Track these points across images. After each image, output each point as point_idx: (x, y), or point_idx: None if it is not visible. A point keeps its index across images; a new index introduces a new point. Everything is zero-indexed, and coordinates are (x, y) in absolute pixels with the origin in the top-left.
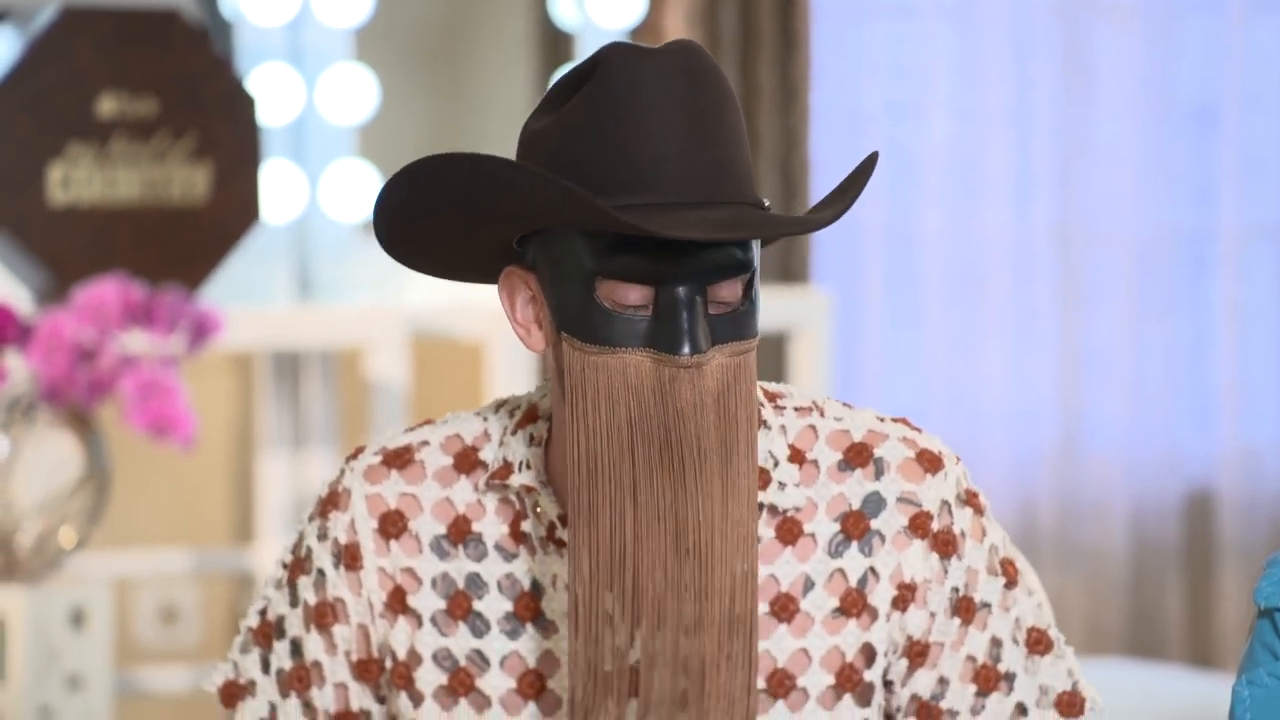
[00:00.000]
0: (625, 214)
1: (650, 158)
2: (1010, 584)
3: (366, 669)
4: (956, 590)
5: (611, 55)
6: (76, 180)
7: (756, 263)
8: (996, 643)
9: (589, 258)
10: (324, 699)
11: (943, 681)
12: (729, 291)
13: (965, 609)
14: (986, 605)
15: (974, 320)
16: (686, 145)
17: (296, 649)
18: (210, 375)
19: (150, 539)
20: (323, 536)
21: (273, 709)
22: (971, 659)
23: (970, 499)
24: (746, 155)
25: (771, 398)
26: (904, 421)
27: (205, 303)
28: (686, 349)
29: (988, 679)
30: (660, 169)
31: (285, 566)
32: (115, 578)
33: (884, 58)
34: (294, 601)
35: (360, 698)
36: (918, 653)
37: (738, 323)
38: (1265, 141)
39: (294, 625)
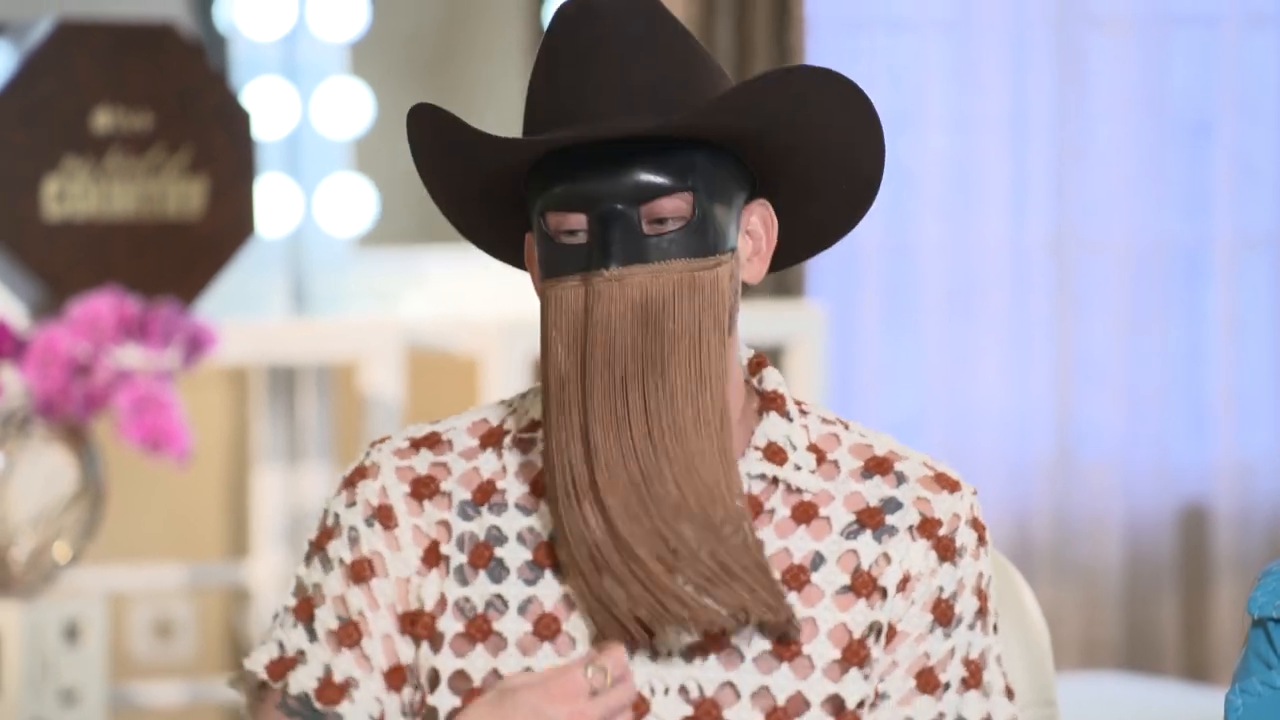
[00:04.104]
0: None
1: (579, 88)
2: (982, 612)
3: (412, 622)
4: (941, 590)
5: (563, 5)
6: (72, 194)
7: (701, 182)
8: (950, 654)
9: (537, 196)
10: (374, 651)
11: (894, 664)
12: (669, 208)
13: (943, 611)
14: (960, 618)
15: (969, 332)
16: (614, 73)
17: (342, 606)
18: (205, 389)
19: (145, 553)
20: (352, 504)
21: (328, 669)
22: (926, 655)
23: (978, 526)
24: (693, 77)
25: (798, 404)
26: (926, 456)
27: (200, 317)
28: (603, 264)
29: (928, 681)
30: (588, 97)
31: (312, 543)
32: (110, 592)
33: (879, 70)
34: (328, 566)
35: (406, 651)
36: (888, 637)
37: (686, 241)
38: (1259, 152)
39: (334, 586)
